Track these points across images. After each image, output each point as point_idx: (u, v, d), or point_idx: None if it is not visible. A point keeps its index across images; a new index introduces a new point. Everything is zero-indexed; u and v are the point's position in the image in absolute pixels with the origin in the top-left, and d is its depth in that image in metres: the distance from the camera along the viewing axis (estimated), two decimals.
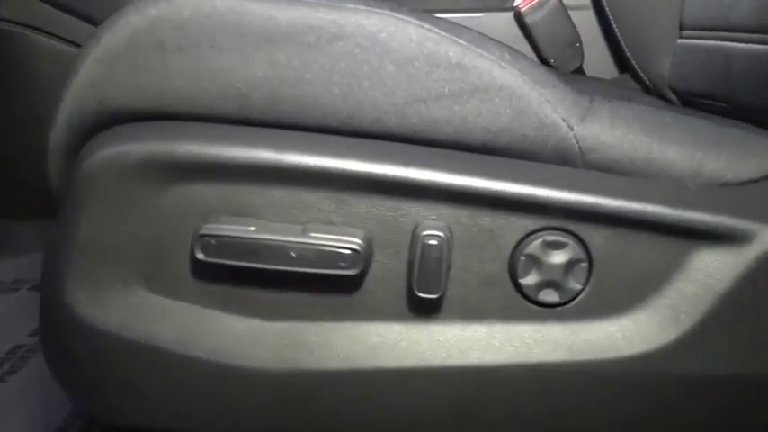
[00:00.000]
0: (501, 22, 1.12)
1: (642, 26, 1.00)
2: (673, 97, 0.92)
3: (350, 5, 0.54)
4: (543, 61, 1.11)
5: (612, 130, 0.56)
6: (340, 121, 0.55)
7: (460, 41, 0.54)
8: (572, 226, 0.54)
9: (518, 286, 0.54)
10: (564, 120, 0.55)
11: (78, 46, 0.97)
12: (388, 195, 0.53)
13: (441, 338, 0.55)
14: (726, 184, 0.57)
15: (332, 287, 0.55)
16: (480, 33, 0.56)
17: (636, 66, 1.02)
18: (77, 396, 0.58)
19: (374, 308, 0.55)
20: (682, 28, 0.89)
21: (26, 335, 1.17)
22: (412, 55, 0.53)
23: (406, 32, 0.53)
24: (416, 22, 0.54)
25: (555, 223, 0.54)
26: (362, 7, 0.54)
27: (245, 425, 0.56)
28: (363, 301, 0.55)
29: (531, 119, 0.55)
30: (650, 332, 0.55)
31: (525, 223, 0.54)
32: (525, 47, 1.11)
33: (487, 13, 1.13)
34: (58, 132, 0.56)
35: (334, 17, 0.53)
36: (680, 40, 0.89)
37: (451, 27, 0.55)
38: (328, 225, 0.54)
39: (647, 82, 0.99)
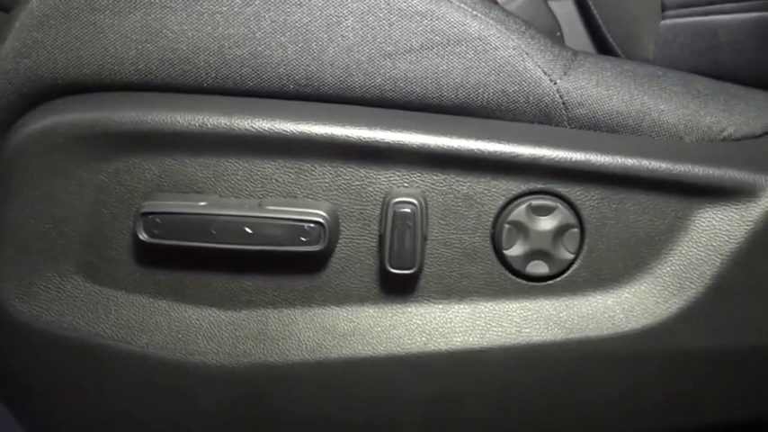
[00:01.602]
0: None
1: (623, 10, 0.98)
2: None
3: None
4: None
5: (599, 83, 0.51)
6: (297, 83, 0.50)
7: None
8: (560, 188, 0.49)
9: (503, 258, 0.50)
10: (545, 73, 0.50)
11: None
12: (354, 162, 0.49)
13: (419, 321, 0.50)
14: (726, 139, 0.52)
15: (294, 268, 0.50)
16: None
17: (619, 51, 0.99)
18: (11, 405, 0.52)
19: (343, 290, 0.50)
20: (664, 8, 0.87)
21: None
22: (372, 3, 0.49)
23: None
24: None
25: (541, 185, 0.49)
26: None
27: (200, 427, 0.50)
28: (330, 283, 0.50)
29: (508, 72, 0.50)
30: (652, 304, 0.50)
31: (508, 187, 0.49)
32: None
33: None
34: None
35: None
36: (663, 21, 0.87)
37: None
38: (288, 197, 0.49)
39: None
